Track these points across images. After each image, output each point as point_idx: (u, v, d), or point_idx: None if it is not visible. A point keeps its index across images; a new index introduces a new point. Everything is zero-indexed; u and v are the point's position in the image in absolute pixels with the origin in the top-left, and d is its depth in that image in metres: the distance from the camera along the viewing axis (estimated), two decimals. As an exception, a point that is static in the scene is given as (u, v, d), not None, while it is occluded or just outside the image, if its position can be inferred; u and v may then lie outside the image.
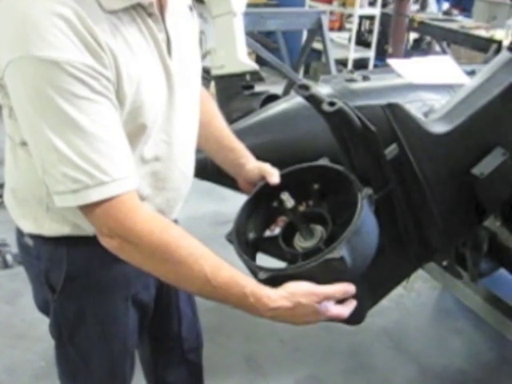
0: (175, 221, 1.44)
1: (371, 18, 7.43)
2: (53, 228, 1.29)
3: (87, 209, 1.09)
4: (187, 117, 1.33)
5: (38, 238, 1.33)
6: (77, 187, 1.06)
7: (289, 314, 1.12)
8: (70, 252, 1.31)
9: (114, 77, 1.08)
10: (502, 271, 2.51)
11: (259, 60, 4.90)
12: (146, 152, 1.24)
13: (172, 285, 1.22)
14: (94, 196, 1.07)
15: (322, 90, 2.27)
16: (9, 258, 3.26)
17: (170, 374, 1.79)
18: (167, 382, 1.80)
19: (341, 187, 1.21)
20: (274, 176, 1.35)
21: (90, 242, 1.22)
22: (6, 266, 3.26)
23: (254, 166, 1.43)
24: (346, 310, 1.16)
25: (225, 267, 1.11)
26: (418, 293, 3.27)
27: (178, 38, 1.27)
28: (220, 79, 2.92)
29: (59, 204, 1.10)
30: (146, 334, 1.67)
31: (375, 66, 7.01)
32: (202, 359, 1.81)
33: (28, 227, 1.35)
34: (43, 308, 1.45)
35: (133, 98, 1.13)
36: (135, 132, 1.18)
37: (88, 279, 1.35)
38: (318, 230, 1.19)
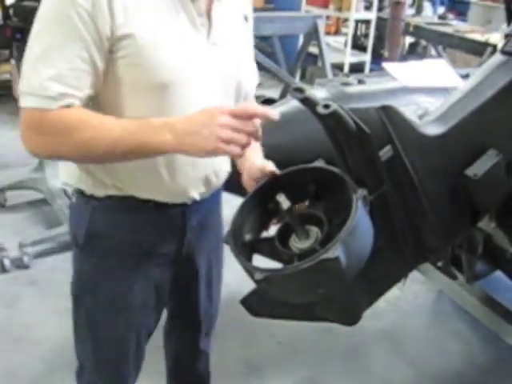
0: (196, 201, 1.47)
1: (367, 22, 7.46)
2: (83, 182, 1.41)
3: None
4: (215, 100, 1.35)
5: (77, 194, 1.44)
6: (23, 89, 1.20)
7: (187, 125, 1.17)
8: (94, 211, 1.41)
9: (109, 29, 1.19)
10: (498, 273, 2.53)
11: (256, 64, 4.91)
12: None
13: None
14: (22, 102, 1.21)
15: (318, 93, 2.28)
16: (6, 262, 3.27)
17: (186, 362, 1.91)
18: (181, 368, 1.94)
19: (336, 188, 1.22)
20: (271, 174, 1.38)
21: (113, 206, 1.39)
22: (4, 270, 3.26)
23: (258, 164, 1.44)
24: (234, 141, 1.15)
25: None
26: (415, 295, 3.28)
27: (223, 31, 1.37)
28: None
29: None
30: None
31: (371, 70, 7.02)
32: (209, 347, 1.92)
33: (64, 177, 1.48)
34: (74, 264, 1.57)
35: (143, 53, 1.23)
36: (156, 91, 1.27)
37: (105, 242, 1.44)
38: (314, 230, 1.20)
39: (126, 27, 1.21)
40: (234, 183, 1.64)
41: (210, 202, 1.54)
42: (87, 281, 1.52)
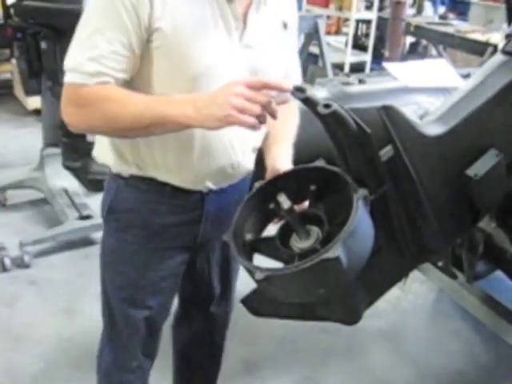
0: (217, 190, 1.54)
1: (368, 22, 7.44)
2: (113, 161, 1.52)
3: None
4: None
5: (111, 174, 1.58)
6: (67, 66, 1.32)
7: (205, 98, 1.22)
8: (118, 189, 1.54)
9: (148, 19, 1.29)
10: (499, 273, 2.53)
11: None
12: None
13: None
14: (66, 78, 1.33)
15: (319, 93, 2.28)
16: (7, 261, 3.27)
17: (196, 354, 1.99)
18: (192, 364, 2.02)
19: (337, 188, 1.22)
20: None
21: (135, 185, 1.51)
22: (5, 269, 3.27)
23: (271, 163, 1.45)
24: (247, 111, 1.18)
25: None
26: (416, 295, 3.28)
27: (257, 35, 1.43)
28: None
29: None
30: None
31: (372, 69, 7.01)
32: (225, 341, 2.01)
33: (97, 155, 1.60)
34: None
35: (175, 45, 1.33)
36: (187, 83, 1.35)
37: (124, 218, 1.56)
38: (315, 230, 1.20)
39: (162, 20, 1.30)
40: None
41: (232, 194, 1.56)
42: (108, 253, 1.63)
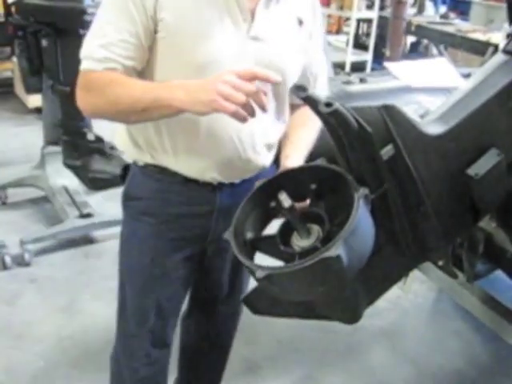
0: (224, 184, 1.55)
1: (369, 21, 7.45)
2: (127, 145, 1.58)
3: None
4: None
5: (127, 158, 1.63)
6: (82, 54, 1.41)
7: (198, 83, 1.27)
8: (134, 176, 1.60)
9: (153, 10, 1.36)
10: (499, 272, 2.52)
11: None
12: None
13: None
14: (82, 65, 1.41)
15: (320, 92, 2.28)
16: (7, 259, 3.27)
17: (203, 349, 2.01)
18: (198, 358, 2.04)
19: (337, 187, 1.22)
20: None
21: (149, 173, 1.55)
22: (5, 267, 3.27)
23: (283, 163, 1.47)
24: (232, 99, 1.19)
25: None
26: (415, 294, 3.28)
27: (266, 28, 1.44)
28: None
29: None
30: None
31: (373, 69, 7.01)
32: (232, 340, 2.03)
33: (118, 144, 1.67)
34: None
35: (181, 33, 1.38)
36: (195, 73, 1.37)
37: (138, 204, 1.60)
38: (315, 229, 1.20)
39: (167, 11, 1.36)
40: None
41: (246, 190, 1.53)
42: (124, 239, 1.68)
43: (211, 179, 1.52)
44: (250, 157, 1.52)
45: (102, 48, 1.37)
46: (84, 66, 1.41)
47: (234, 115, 1.20)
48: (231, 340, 2.02)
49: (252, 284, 1.35)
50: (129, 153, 1.60)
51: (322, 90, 1.68)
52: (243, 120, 1.22)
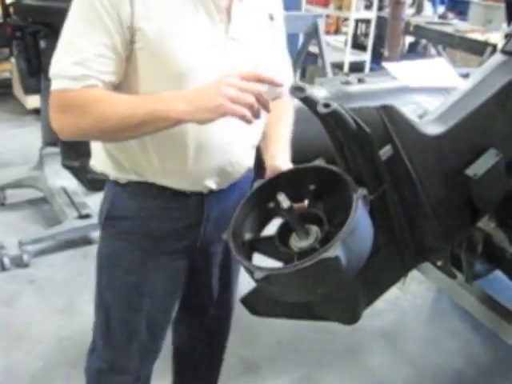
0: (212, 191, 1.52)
1: (367, 21, 7.45)
2: (108, 168, 1.51)
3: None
4: None
5: (105, 176, 1.55)
6: (52, 74, 1.31)
7: (196, 91, 1.23)
8: (116, 194, 1.52)
9: (129, 20, 1.28)
10: (498, 273, 2.52)
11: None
12: None
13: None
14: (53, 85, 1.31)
15: (318, 92, 2.28)
16: (6, 260, 3.27)
17: (196, 353, 1.98)
18: (193, 362, 2.02)
19: (336, 188, 1.22)
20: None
21: (133, 191, 1.48)
22: (4, 268, 3.27)
23: (270, 162, 1.44)
24: (240, 101, 1.18)
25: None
26: (414, 294, 3.28)
27: (243, 27, 1.41)
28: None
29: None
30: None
31: (371, 69, 7.01)
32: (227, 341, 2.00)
33: (94, 163, 1.57)
34: None
35: (157, 43, 1.31)
36: (174, 81, 1.33)
37: (123, 225, 1.53)
38: (314, 230, 1.20)
39: (144, 20, 1.29)
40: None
41: (232, 194, 1.56)
42: (105, 260, 1.61)
43: (202, 189, 1.49)
44: (239, 160, 1.51)
45: (78, 65, 1.27)
46: (58, 85, 1.30)
47: (243, 118, 1.18)
48: (225, 341, 2.00)
49: (242, 285, 1.35)
50: (109, 172, 1.52)
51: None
52: (249, 122, 1.20)
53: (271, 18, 1.52)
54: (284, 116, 1.60)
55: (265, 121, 1.54)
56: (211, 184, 1.49)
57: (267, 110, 1.23)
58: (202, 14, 1.35)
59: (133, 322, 1.62)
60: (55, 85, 1.30)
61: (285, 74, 1.62)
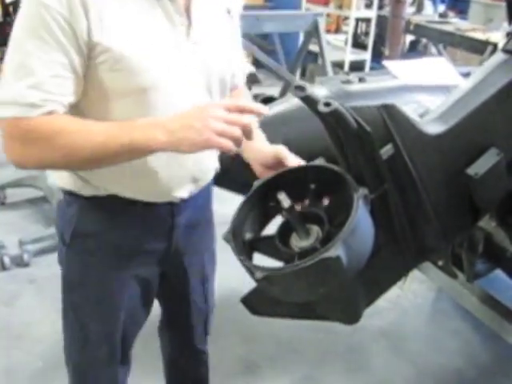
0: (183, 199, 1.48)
1: (367, 20, 7.45)
2: (70, 182, 1.41)
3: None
4: (198, 100, 1.34)
5: (65, 193, 1.45)
6: (2, 100, 1.17)
7: (177, 121, 1.16)
8: (81, 210, 1.42)
9: (86, 34, 1.18)
10: (498, 272, 2.52)
11: (256, 62, 4.91)
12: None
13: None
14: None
15: (319, 91, 2.28)
16: (6, 260, 3.27)
17: (182, 361, 1.91)
18: (178, 369, 1.94)
19: (337, 187, 1.22)
20: (288, 159, 1.38)
21: (100, 205, 1.40)
22: (4, 268, 3.27)
23: (270, 150, 1.43)
24: (226, 135, 1.14)
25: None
26: (415, 294, 3.28)
27: (203, 27, 1.36)
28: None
29: None
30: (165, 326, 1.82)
31: (371, 68, 7.02)
32: (207, 346, 1.90)
33: (53, 177, 1.50)
34: (61, 264, 1.54)
35: (118, 54, 1.21)
36: (139, 95, 1.26)
37: (92, 241, 1.44)
38: (315, 229, 1.20)
39: (102, 32, 1.19)
40: (224, 178, 1.65)
41: (199, 199, 1.54)
42: (75, 279, 1.52)
43: (173, 199, 1.45)
44: (209, 165, 1.51)
45: (33, 89, 1.15)
46: (11, 113, 1.16)
47: (227, 149, 1.15)
48: (206, 344, 1.93)
49: (243, 285, 1.34)
50: (72, 188, 1.42)
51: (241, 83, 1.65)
52: (231, 152, 1.16)
53: (229, 12, 1.48)
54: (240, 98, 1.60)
55: None
56: (183, 193, 1.45)
57: (251, 138, 1.20)
58: (162, 18, 1.28)
59: (111, 337, 1.57)
60: (7, 112, 1.17)
61: (242, 65, 1.62)
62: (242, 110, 1.18)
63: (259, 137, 1.52)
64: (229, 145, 1.14)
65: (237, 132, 1.14)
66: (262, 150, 1.46)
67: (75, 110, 1.26)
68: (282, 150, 1.41)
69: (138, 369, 1.79)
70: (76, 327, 1.57)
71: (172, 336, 1.88)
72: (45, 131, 1.17)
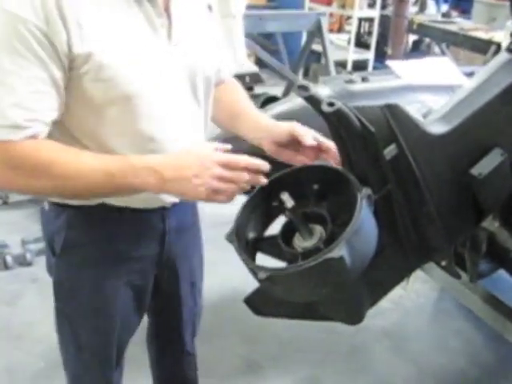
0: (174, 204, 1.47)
1: (370, 19, 7.44)
2: None
3: None
4: (184, 104, 1.36)
5: (51, 203, 1.42)
6: None
7: (174, 169, 1.16)
8: (71, 220, 1.39)
9: (66, 46, 1.13)
10: (502, 272, 2.52)
11: (259, 62, 4.91)
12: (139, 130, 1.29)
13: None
14: None
15: (322, 91, 2.27)
16: (9, 259, 3.27)
17: (170, 364, 1.86)
18: (167, 372, 1.88)
19: (340, 187, 1.21)
20: (306, 136, 1.37)
21: (89, 214, 1.36)
22: (6, 267, 3.27)
23: (284, 127, 1.42)
24: (222, 192, 1.17)
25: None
26: (418, 294, 3.27)
27: (184, 27, 1.33)
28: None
29: None
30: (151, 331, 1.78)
31: (374, 67, 7.01)
32: (195, 348, 1.87)
33: None
34: (50, 272, 1.56)
35: (102, 63, 1.18)
36: (123, 104, 1.24)
37: (84, 251, 1.42)
38: (318, 229, 1.19)
39: (83, 44, 1.15)
40: None
41: (186, 202, 1.52)
42: (67, 289, 1.50)
43: (165, 204, 1.43)
44: None
45: (15, 108, 1.11)
46: None
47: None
48: (194, 347, 1.90)
49: (246, 285, 1.34)
50: (58, 198, 1.38)
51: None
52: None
53: (210, 8, 1.45)
54: (239, 91, 1.61)
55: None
56: (171, 197, 1.44)
57: (245, 192, 1.24)
58: (143, 22, 1.25)
59: (107, 344, 1.55)
60: None
61: (226, 61, 1.60)
62: (242, 167, 1.19)
63: (261, 116, 1.51)
64: (224, 200, 1.18)
65: (233, 189, 1.17)
66: (273, 129, 1.44)
67: (60, 126, 1.24)
68: (297, 127, 1.40)
69: (132, 371, 1.79)
70: (70, 337, 1.55)
71: (161, 340, 1.85)
72: (32, 163, 1.15)
